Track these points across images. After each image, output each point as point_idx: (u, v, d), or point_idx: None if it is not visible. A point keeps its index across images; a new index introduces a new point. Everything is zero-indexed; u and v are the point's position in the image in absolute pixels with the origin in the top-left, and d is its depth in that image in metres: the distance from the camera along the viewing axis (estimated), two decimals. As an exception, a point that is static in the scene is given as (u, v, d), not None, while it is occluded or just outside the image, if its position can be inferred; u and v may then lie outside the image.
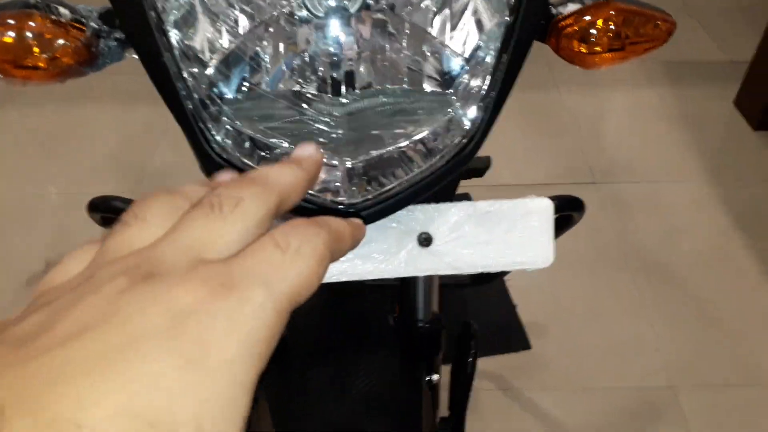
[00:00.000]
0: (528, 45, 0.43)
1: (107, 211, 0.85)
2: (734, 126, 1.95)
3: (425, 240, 0.45)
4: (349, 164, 0.42)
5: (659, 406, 1.27)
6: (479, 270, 0.45)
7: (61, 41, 0.44)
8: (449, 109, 0.43)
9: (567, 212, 0.72)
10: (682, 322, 1.41)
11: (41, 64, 0.45)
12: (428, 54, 0.41)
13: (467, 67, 0.42)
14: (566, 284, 1.47)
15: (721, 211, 1.67)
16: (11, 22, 0.44)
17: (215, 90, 0.40)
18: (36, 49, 0.44)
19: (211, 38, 0.39)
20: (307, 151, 0.28)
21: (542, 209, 0.46)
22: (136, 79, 1.74)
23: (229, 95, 0.41)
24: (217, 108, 0.41)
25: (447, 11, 0.41)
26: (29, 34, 0.44)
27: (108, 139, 1.96)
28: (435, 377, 0.64)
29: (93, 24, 0.45)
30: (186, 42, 0.39)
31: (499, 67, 0.42)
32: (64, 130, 1.99)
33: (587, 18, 0.48)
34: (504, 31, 0.41)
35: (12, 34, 0.44)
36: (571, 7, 0.49)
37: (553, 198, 0.76)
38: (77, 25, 0.45)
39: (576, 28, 0.48)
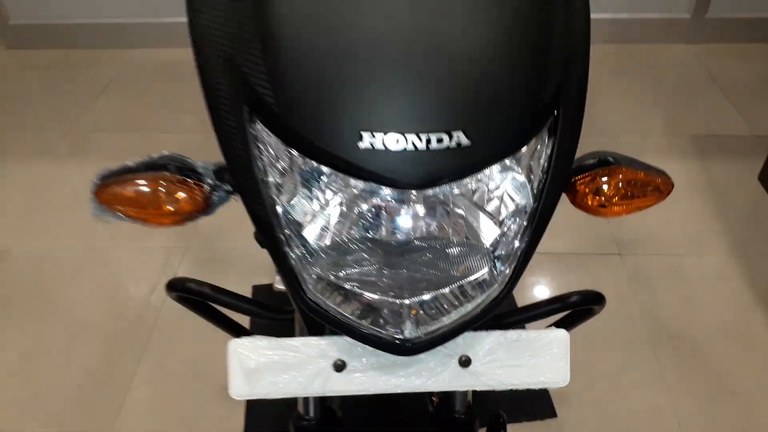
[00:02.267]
0: (551, 210, 0.54)
1: (183, 291, 0.97)
2: (758, 200, 2.02)
3: (465, 362, 0.55)
4: (407, 302, 0.53)
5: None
6: (509, 388, 0.56)
7: (183, 195, 0.57)
8: (486, 260, 0.54)
9: (588, 306, 0.82)
10: (702, 395, 1.47)
11: (166, 213, 0.57)
12: (471, 221, 0.53)
13: (501, 229, 0.53)
14: (591, 354, 1.55)
15: (744, 286, 1.74)
16: (146, 181, 0.57)
17: (307, 246, 0.52)
18: (165, 205, 0.56)
19: (307, 212, 0.51)
20: None
21: (560, 339, 0.56)
22: (188, 138, 1.92)
23: (316, 248, 0.53)
24: (305, 257, 0.52)
25: (485, 190, 0.52)
26: (161, 190, 0.56)
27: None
28: (469, 464, 0.74)
29: (209, 180, 0.58)
30: (289, 216, 0.51)
31: (527, 228, 0.53)
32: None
33: (601, 179, 0.59)
34: (531, 209, 0.52)
35: (147, 190, 0.57)
36: (588, 167, 0.60)
37: (577, 293, 0.86)
38: (198, 183, 0.57)
39: (590, 187, 0.59)
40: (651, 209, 2.01)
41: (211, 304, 1.03)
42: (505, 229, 0.52)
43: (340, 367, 0.56)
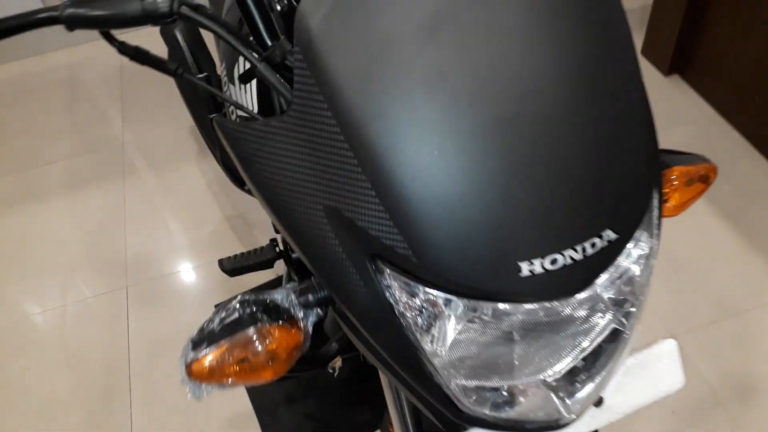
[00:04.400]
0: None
1: None
2: (646, 74, 2.16)
3: (599, 402, 0.58)
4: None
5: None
6: (638, 409, 0.59)
7: (280, 341, 0.52)
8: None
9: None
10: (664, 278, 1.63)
11: (269, 366, 0.52)
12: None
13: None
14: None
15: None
16: (237, 347, 0.51)
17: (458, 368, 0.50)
18: (265, 359, 0.52)
19: (452, 337, 0.48)
20: None
21: (669, 350, 0.60)
22: (73, 164, 1.80)
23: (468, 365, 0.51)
24: (455, 376, 0.51)
25: None
26: (257, 347, 0.51)
27: (72, 235, 1.92)
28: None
29: (298, 311, 0.53)
30: (436, 347, 0.48)
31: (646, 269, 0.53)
32: (23, 241, 1.93)
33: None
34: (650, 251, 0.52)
35: (242, 354, 0.51)
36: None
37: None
38: (290, 319, 0.53)
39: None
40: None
41: None
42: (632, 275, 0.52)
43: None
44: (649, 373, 0.59)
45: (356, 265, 0.45)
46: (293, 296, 0.54)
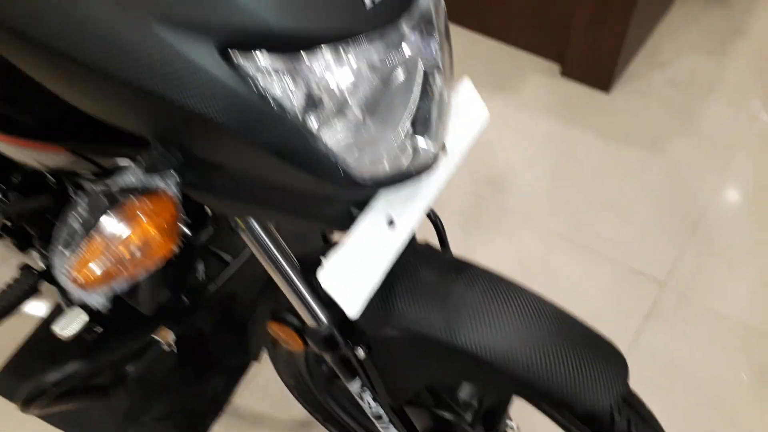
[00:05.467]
0: None
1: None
2: None
3: (444, 149, 0.64)
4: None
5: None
6: (469, 148, 0.67)
7: (152, 204, 0.48)
8: None
9: None
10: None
11: (157, 237, 0.48)
12: None
13: None
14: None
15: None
16: (118, 223, 0.46)
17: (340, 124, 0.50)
18: (149, 227, 0.47)
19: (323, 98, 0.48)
20: None
21: (469, 87, 0.68)
22: None
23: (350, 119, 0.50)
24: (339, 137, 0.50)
25: None
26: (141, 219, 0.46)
27: None
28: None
29: (152, 178, 0.49)
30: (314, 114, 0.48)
31: None
32: None
33: None
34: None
35: (126, 232, 0.46)
36: None
37: None
38: (154, 192, 0.48)
39: None
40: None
41: None
42: None
43: (390, 222, 0.60)
44: (462, 112, 0.67)
45: (211, 68, 0.42)
46: (140, 172, 0.49)
